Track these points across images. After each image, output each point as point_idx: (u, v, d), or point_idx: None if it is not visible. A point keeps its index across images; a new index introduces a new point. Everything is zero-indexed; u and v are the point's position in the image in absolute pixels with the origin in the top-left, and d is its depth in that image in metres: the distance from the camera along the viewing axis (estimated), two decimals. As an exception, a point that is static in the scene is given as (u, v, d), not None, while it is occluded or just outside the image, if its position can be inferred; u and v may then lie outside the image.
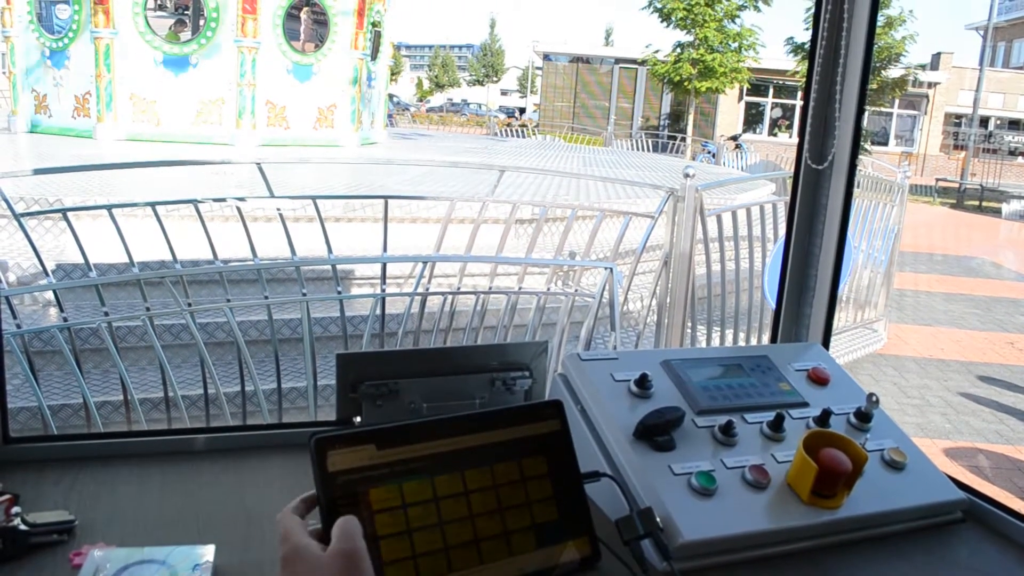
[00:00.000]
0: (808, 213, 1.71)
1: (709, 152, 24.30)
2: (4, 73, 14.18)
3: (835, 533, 1.20)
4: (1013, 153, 33.72)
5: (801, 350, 1.57)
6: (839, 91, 1.61)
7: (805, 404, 1.37)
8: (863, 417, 1.36)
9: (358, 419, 1.32)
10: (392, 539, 0.91)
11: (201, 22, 12.59)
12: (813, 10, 1.65)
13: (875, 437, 1.34)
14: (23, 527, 1.07)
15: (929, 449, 1.27)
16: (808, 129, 1.65)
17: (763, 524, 1.15)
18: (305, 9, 13.37)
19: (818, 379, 1.44)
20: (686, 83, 28.97)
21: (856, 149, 1.60)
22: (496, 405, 1.33)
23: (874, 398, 1.37)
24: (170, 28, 12.95)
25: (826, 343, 1.69)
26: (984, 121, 33.61)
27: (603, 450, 1.23)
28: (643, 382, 1.30)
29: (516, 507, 0.99)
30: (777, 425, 1.29)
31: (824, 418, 1.32)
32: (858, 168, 1.64)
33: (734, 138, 26.77)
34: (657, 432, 1.22)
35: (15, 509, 1.09)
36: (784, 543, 1.17)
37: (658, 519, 1.07)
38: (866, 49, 1.57)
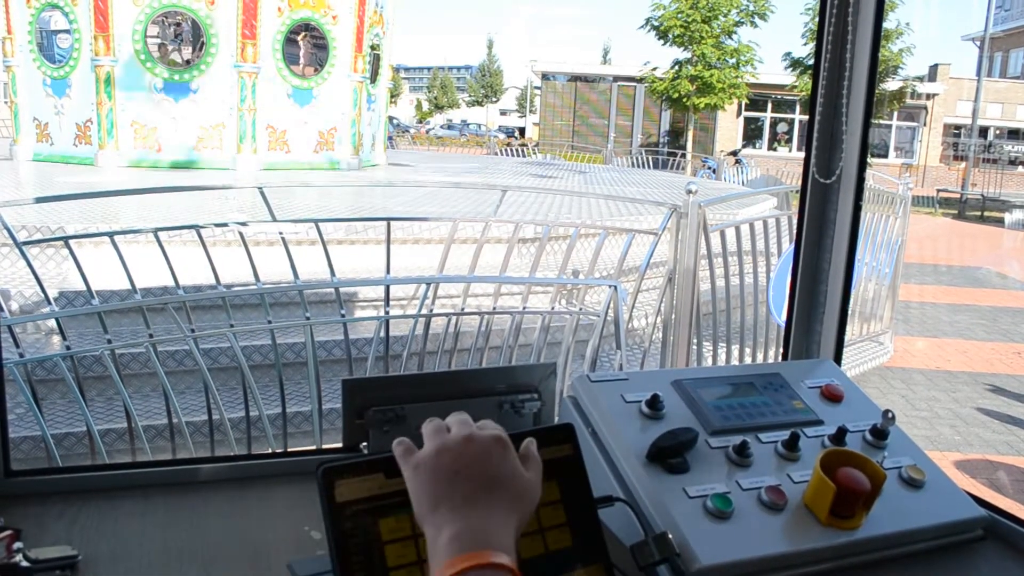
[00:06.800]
0: (816, 228, 1.69)
1: (709, 168, 24.32)
2: (6, 102, 14.25)
3: (855, 554, 1.18)
4: (1013, 163, 33.73)
5: (813, 366, 1.55)
6: (845, 104, 1.60)
7: (820, 422, 1.35)
8: (879, 434, 1.33)
9: (365, 445, 1.30)
10: (403, 570, 0.89)
11: (201, 48, 12.66)
12: (816, 25, 1.65)
13: (892, 454, 1.31)
14: (25, 563, 1.04)
15: (940, 462, 1.25)
16: (815, 143, 1.64)
17: (781, 547, 1.13)
18: (304, 34, 13.43)
19: (832, 396, 1.42)
20: (685, 100, 29.05)
21: (864, 163, 1.59)
22: (505, 429, 1.30)
23: (890, 415, 1.34)
24: (169, 55, 13.02)
25: (838, 359, 1.67)
26: (983, 131, 33.65)
27: (615, 474, 1.20)
28: (654, 403, 1.27)
29: (529, 534, 0.97)
30: (792, 444, 1.26)
31: (840, 436, 1.30)
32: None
33: (734, 153, 26.82)
34: (670, 454, 1.19)
35: (17, 545, 1.06)
36: (803, 566, 1.14)
37: (674, 544, 1.04)
38: (871, 63, 1.56)
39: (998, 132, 35.67)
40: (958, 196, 24.84)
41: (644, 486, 1.16)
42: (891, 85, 28.65)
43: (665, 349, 4.83)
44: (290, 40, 13.09)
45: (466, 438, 0.85)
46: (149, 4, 12.08)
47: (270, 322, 4.03)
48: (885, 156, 33.67)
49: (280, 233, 4.41)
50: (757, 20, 28.87)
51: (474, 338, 4.74)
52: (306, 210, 7.84)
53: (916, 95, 31.36)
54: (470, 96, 63.57)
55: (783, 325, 2.74)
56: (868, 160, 1.67)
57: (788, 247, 5.48)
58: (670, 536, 1.05)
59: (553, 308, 4.76)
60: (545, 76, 36.23)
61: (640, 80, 31.91)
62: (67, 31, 12.47)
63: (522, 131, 50.75)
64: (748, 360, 5.36)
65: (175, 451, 3.85)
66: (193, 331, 3.70)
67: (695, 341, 4.78)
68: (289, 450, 4.08)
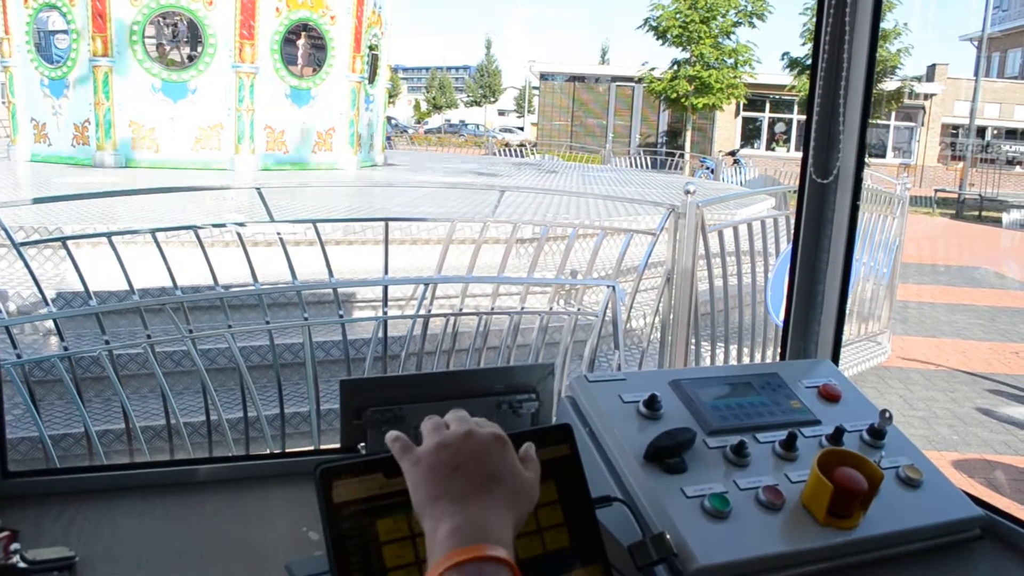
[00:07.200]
0: (814, 228, 1.69)
1: (708, 168, 24.32)
2: (3, 103, 14.23)
3: (852, 554, 1.18)
4: (1011, 162, 33.77)
5: (810, 366, 1.55)
6: (842, 104, 1.60)
7: (817, 422, 1.35)
8: (876, 434, 1.34)
9: (363, 446, 1.30)
10: (400, 571, 0.89)
11: (199, 48, 12.65)
12: (813, 25, 1.64)
13: (889, 454, 1.31)
14: (22, 565, 1.04)
15: (938, 462, 1.26)
16: (812, 144, 1.64)
17: (779, 546, 1.13)
18: (303, 34, 13.42)
19: (829, 396, 1.42)
20: (683, 100, 29.06)
21: (861, 163, 1.59)
22: (503, 429, 1.31)
23: (887, 414, 1.34)
24: (167, 55, 13.00)
25: (835, 359, 1.67)
26: (981, 131, 33.66)
27: (613, 474, 1.20)
28: (652, 403, 1.27)
29: (526, 535, 0.97)
30: (790, 444, 1.26)
31: (837, 436, 1.30)
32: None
33: (732, 153, 26.80)
34: (668, 454, 1.19)
35: (14, 546, 1.06)
36: (801, 565, 1.14)
37: (672, 544, 1.04)
38: (868, 62, 1.56)
39: (996, 132, 35.69)
40: (956, 196, 24.84)
41: (642, 486, 1.16)
42: (889, 85, 28.70)
43: (663, 349, 4.83)
44: (288, 40, 13.07)
45: (465, 434, 0.85)
46: (147, 4, 12.07)
47: (268, 323, 4.03)
48: (883, 156, 33.70)
49: (278, 233, 4.41)
50: (755, 20, 28.89)
51: (472, 338, 4.73)
52: (304, 210, 7.84)
53: (914, 95, 31.40)
54: (468, 96, 63.54)
55: (781, 325, 2.74)
56: (866, 160, 1.67)
57: (786, 247, 5.48)
58: (667, 536, 1.05)
59: (551, 308, 4.76)
60: (543, 76, 36.22)
61: (638, 80, 31.91)
62: (65, 31, 12.45)
63: (520, 131, 50.71)
64: (746, 360, 5.36)
65: (173, 452, 3.84)
66: (191, 332, 3.70)
67: (693, 341, 4.78)
68: (287, 451, 4.08)
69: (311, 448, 3.89)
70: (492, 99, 61.75)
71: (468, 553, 0.74)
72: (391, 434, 0.88)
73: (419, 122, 58.57)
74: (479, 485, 0.81)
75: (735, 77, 28.87)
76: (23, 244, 3.84)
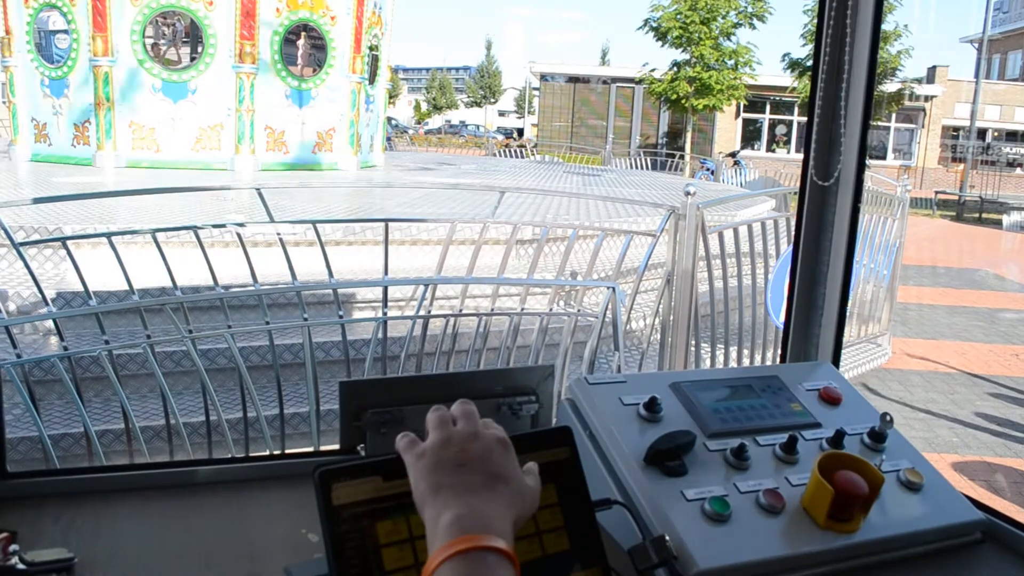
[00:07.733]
0: (815, 230, 1.69)
1: (708, 169, 24.34)
2: (4, 102, 14.23)
3: (853, 558, 1.17)
4: (1011, 164, 33.75)
5: (811, 369, 1.54)
6: (843, 107, 1.59)
7: (818, 425, 1.34)
8: (877, 437, 1.33)
9: (362, 448, 1.29)
10: (400, 574, 0.89)
11: (199, 48, 12.65)
12: (814, 27, 1.64)
13: (890, 458, 1.31)
14: (21, 566, 1.04)
15: (938, 464, 1.27)
16: (813, 146, 1.63)
17: (779, 550, 1.13)
18: (303, 34, 13.42)
19: (830, 399, 1.41)
20: (683, 101, 29.07)
21: (862, 165, 1.59)
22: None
23: (888, 418, 1.34)
24: (167, 55, 13.00)
25: (836, 361, 1.67)
26: (981, 133, 33.67)
27: (613, 476, 1.20)
28: (652, 406, 1.27)
29: (526, 537, 0.96)
30: (790, 447, 1.26)
31: (838, 439, 1.30)
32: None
33: (732, 155, 26.83)
34: (668, 457, 1.19)
35: (12, 547, 1.06)
36: (801, 569, 1.14)
37: (672, 547, 1.04)
38: (870, 64, 1.56)
39: (996, 134, 35.71)
40: (956, 198, 24.84)
41: (642, 489, 1.16)
42: (890, 87, 28.71)
43: (663, 351, 4.82)
44: (288, 41, 13.08)
45: (471, 434, 0.86)
46: (147, 4, 12.07)
47: (268, 323, 4.02)
48: (883, 158, 33.72)
49: (278, 234, 4.41)
50: (756, 22, 28.89)
51: (472, 339, 4.73)
52: (304, 211, 7.84)
53: (914, 97, 31.42)
54: (469, 97, 63.58)
55: (781, 327, 2.74)
56: (866, 162, 1.67)
57: (787, 249, 5.48)
58: (667, 539, 1.04)
59: (551, 309, 4.76)
60: (543, 77, 36.23)
61: (639, 81, 31.93)
62: (65, 31, 12.46)
63: (520, 132, 50.73)
64: (746, 362, 5.36)
65: (172, 452, 3.84)
66: (191, 332, 3.69)
67: (693, 343, 4.78)
68: (286, 452, 4.07)
69: (311, 450, 3.89)
70: (492, 100, 61.77)
71: (471, 542, 0.74)
72: (402, 433, 0.89)
73: (419, 123, 58.61)
74: (483, 482, 0.82)
75: (735, 78, 28.88)
76: (23, 244, 3.85)
